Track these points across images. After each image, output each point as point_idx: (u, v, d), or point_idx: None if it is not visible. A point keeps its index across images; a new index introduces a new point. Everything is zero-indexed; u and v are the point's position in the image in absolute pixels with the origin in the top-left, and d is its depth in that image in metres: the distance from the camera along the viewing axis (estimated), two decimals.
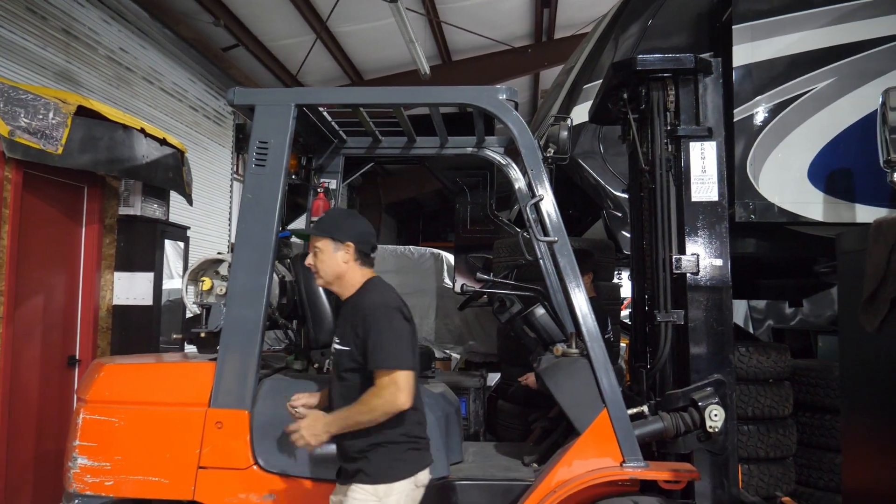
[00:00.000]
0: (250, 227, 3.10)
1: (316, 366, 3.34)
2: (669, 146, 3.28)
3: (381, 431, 2.52)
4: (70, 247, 5.06)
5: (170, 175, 5.47)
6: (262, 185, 3.11)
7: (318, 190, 4.06)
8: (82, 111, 4.60)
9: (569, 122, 3.51)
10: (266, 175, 3.12)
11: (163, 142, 5.35)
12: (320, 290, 3.40)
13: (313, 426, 2.54)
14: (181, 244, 5.91)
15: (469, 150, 4.05)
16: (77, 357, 5.02)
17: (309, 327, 3.37)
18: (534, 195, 3.15)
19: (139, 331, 5.31)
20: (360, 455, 2.56)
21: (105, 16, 8.21)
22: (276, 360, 3.61)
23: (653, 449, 3.19)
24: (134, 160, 4.99)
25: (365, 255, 2.76)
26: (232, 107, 3.22)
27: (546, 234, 3.11)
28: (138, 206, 5.44)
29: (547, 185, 3.14)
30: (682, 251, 3.21)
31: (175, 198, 5.96)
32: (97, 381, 3.13)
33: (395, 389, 2.46)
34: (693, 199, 3.23)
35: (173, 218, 5.95)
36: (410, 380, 2.51)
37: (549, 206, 3.12)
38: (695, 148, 3.23)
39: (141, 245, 5.41)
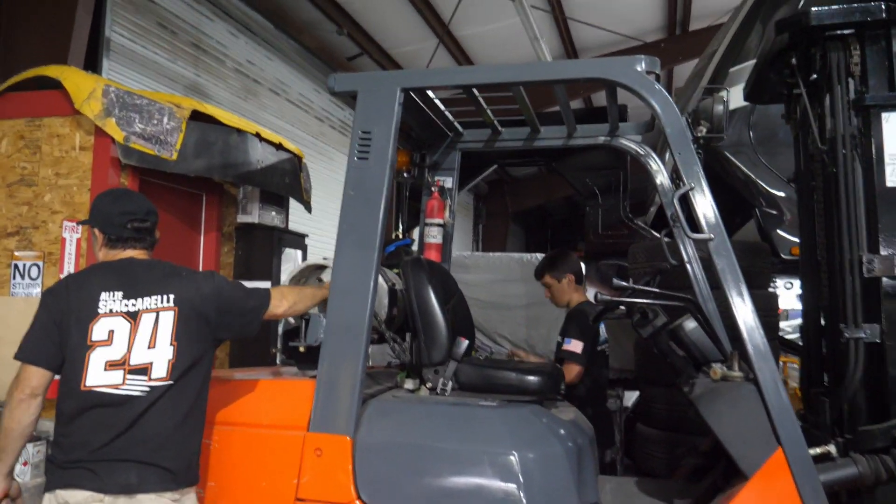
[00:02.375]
0: (353, 227, 2.76)
1: (429, 385, 2.95)
2: (854, 119, 2.64)
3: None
4: (189, 255, 4.97)
5: (286, 181, 5.29)
6: (365, 180, 2.76)
7: (433, 189, 3.69)
8: (196, 115, 4.48)
9: (724, 94, 2.94)
10: (370, 168, 2.77)
11: (279, 146, 5.18)
12: (433, 300, 3.01)
13: None
14: (298, 253, 5.73)
15: (601, 139, 3.56)
16: None
17: (420, 342, 2.98)
18: (682, 185, 2.62)
19: (257, 340, 5.14)
20: None
21: (232, 29, 8.34)
22: (385, 377, 3.26)
23: (842, 501, 2.56)
24: (249, 165, 4.83)
25: (115, 240, 2.61)
26: (332, 95, 2.91)
27: (698, 230, 2.58)
28: (256, 214, 5.31)
29: (699, 171, 2.60)
30: (874, 249, 2.57)
31: (296, 207, 5.81)
32: None
33: (14, 379, 2.41)
34: (888, 184, 2.58)
35: (295, 227, 5.80)
36: (25, 372, 2.39)
37: (701, 196, 2.58)
38: (889, 119, 2.58)
39: (259, 253, 5.28)
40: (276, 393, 2.82)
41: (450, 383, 2.92)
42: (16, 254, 4.33)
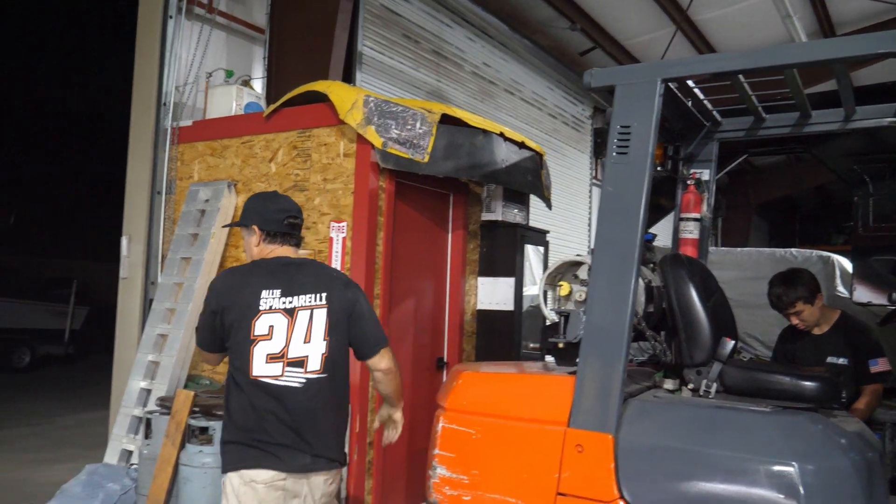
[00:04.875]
0: (612, 224, 2.71)
1: (691, 386, 2.83)
2: None
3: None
4: (437, 252, 5.22)
5: (529, 178, 5.37)
6: (624, 176, 2.71)
7: (689, 182, 3.54)
8: (445, 119, 4.69)
9: None
10: (629, 164, 2.71)
11: (521, 145, 5.27)
12: (695, 297, 2.88)
13: None
14: (539, 249, 5.79)
15: (887, 121, 3.19)
16: (445, 360, 5.15)
17: (681, 340, 2.87)
18: None
19: (501, 336, 5.30)
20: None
21: (470, 34, 8.63)
22: (641, 375, 3.18)
23: None
24: (494, 164, 4.97)
25: (273, 235, 2.80)
26: (589, 90, 2.89)
27: None
28: (499, 212, 5.45)
29: None
30: None
31: (535, 203, 5.88)
32: (455, 389, 3.02)
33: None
34: None
35: (533, 223, 5.88)
36: (203, 353, 2.80)
37: None
38: None
39: (502, 250, 5.41)
40: (536, 388, 2.86)
41: (714, 385, 2.77)
42: None
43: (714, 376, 2.78)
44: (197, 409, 4.13)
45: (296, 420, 2.61)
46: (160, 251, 5.44)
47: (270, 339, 2.64)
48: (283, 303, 2.67)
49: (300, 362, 2.65)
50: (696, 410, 2.62)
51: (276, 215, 2.81)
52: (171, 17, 5.62)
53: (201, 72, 5.77)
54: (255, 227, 2.81)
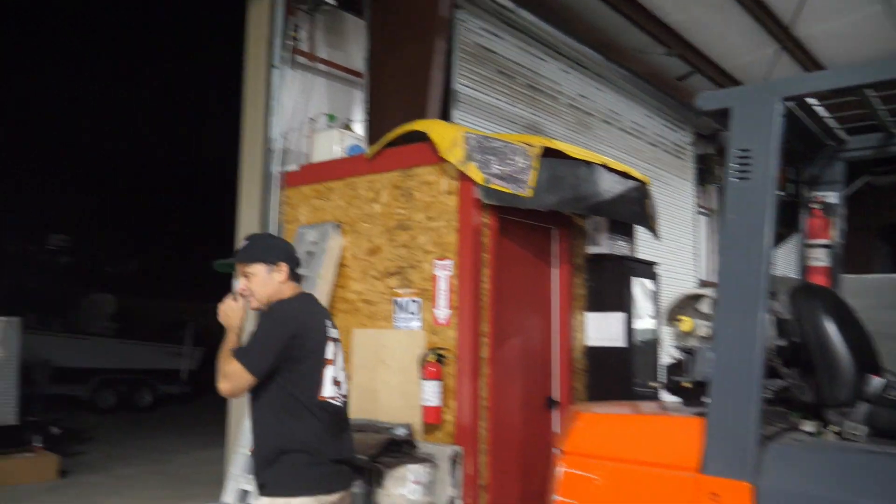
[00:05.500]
0: (736, 254, 2.55)
1: (835, 429, 2.59)
2: None
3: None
4: (542, 288, 5.11)
5: (634, 209, 5.21)
6: (747, 202, 2.54)
7: (814, 206, 3.31)
8: (547, 152, 4.62)
9: None
10: (751, 190, 2.55)
11: (625, 175, 5.13)
12: (833, 330, 2.66)
13: None
14: (647, 282, 5.58)
15: None
16: (554, 399, 5.00)
17: (820, 378, 2.65)
18: None
19: (612, 373, 5.11)
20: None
21: (564, 66, 8.57)
22: (775, 416, 2.95)
23: None
24: (598, 196, 4.84)
25: (296, 273, 3.03)
26: (702, 114, 2.76)
27: None
28: (605, 244, 5.31)
29: None
30: None
31: (640, 234, 5.70)
32: (575, 432, 2.89)
33: (230, 375, 2.76)
34: None
35: (639, 255, 5.69)
36: (244, 378, 2.75)
37: None
38: None
39: (610, 284, 5.25)
40: (662, 430, 2.70)
41: (864, 428, 2.53)
42: (397, 291, 4.84)
43: (861, 417, 2.54)
44: None
45: (342, 437, 2.93)
46: None
47: (334, 363, 2.93)
48: (333, 332, 3.00)
49: (341, 385, 2.97)
50: (845, 456, 2.40)
51: (297, 255, 3.13)
52: (275, 67, 5.83)
53: (305, 117, 5.94)
54: (283, 265, 2.99)
